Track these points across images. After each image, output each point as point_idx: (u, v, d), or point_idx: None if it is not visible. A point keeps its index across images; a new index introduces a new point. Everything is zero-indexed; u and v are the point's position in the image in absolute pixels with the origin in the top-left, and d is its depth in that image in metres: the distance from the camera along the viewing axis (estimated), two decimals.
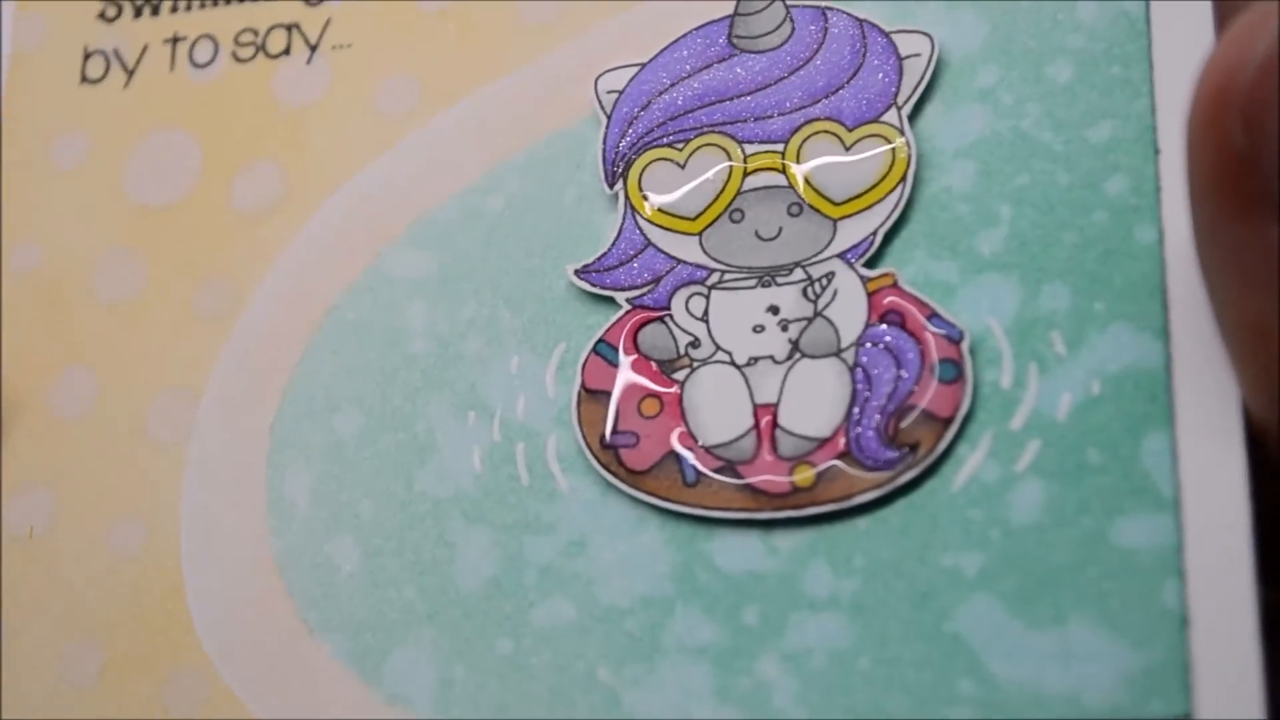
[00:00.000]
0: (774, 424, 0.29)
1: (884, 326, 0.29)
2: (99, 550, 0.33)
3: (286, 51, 0.35)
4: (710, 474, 0.29)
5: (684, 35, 0.32)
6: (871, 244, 0.30)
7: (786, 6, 0.32)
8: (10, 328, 0.35)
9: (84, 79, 0.36)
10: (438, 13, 0.34)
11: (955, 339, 0.29)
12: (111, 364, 0.34)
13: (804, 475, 0.29)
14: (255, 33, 0.35)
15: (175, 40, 0.36)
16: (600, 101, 0.32)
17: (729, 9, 0.32)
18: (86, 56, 0.36)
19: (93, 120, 0.36)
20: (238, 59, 0.35)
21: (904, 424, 0.29)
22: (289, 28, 0.35)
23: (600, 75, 0.32)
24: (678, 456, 0.30)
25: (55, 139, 0.36)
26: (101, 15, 0.37)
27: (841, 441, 0.29)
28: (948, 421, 0.29)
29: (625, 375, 0.30)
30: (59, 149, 0.36)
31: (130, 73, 0.36)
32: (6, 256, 0.36)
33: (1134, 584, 0.27)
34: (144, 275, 0.34)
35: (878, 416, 0.29)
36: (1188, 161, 0.26)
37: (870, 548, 0.29)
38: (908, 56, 0.31)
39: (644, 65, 0.32)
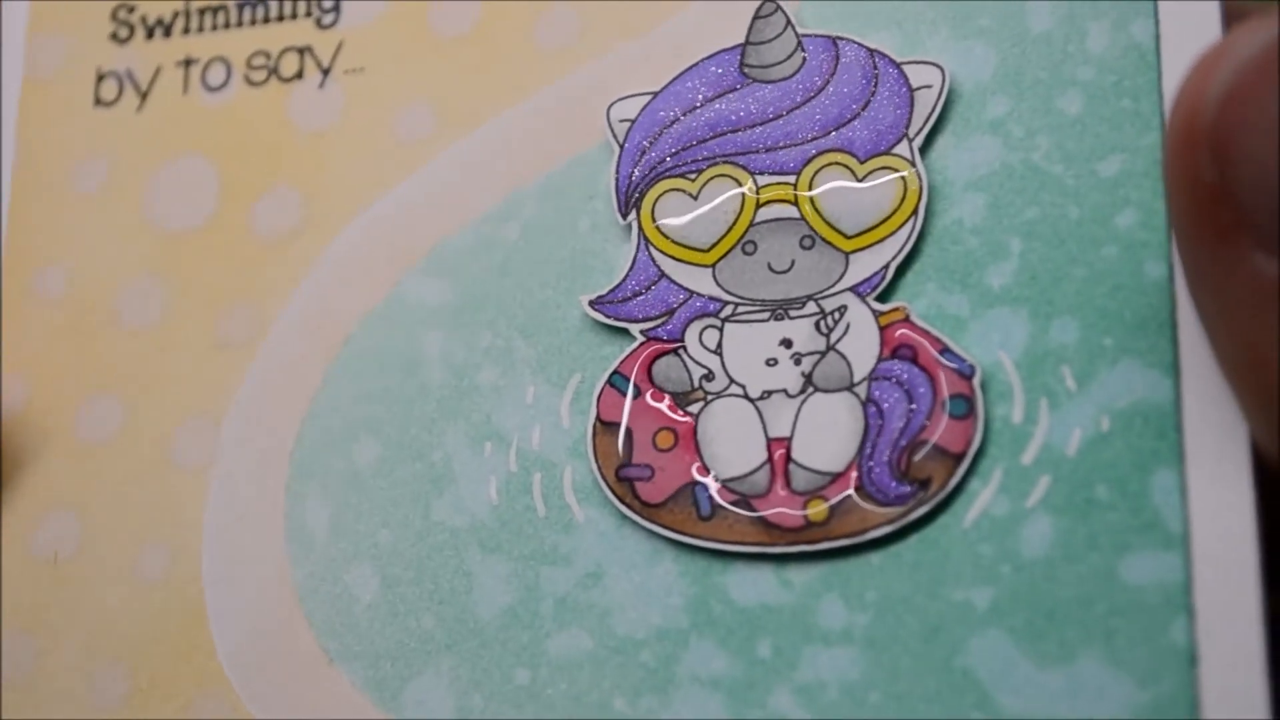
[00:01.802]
0: (787, 458, 0.30)
1: (896, 361, 0.30)
2: (125, 575, 0.33)
3: (299, 75, 0.35)
4: (726, 507, 0.30)
5: (696, 64, 0.32)
6: (884, 277, 0.30)
7: (798, 36, 0.32)
8: (38, 353, 0.35)
9: (98, 101, 0.36)
10: (451, 38, 0.34)
11: (967, 374, 0.29)
12: (136, 390, 0.34)
13: (817, 510, 0.29)
14: (268, 55, 0.35)
15: (188, 63, 0.36)
16: (612, 130, 0.32)
17: (741, 38, 0.32)
18: (100, 79, 0.36)
19: (110, 144, 0.36)
20: (250, 82, 0.35)
21: (916, 459, 0.29)
22: (301, 51, 0.35)
23: (612, 104, 0.32)
24: (693, 490, 0.30)
25: (74, 163, 0.36)
26: (114, 36, 0.37)
27: (854, 476, 0.29)
28: (959, 457, 0.29)
29: (640, 408, 0.31)
30: (78, 173, 0.36)
31: (144, 95, 0.36)
32: (32, 281, 0.36)
33: (1142, 621, 0.28)
34: (167, 302, 0.35)
35: (890, 451, 0.29)
36: (1167, 196, 0.27)
37: (882, 582, 0.29)
38: (919, 88, 0.31)
39: (656, 94, 0.32)
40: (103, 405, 0.34)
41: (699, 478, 0.30)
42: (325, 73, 0.35)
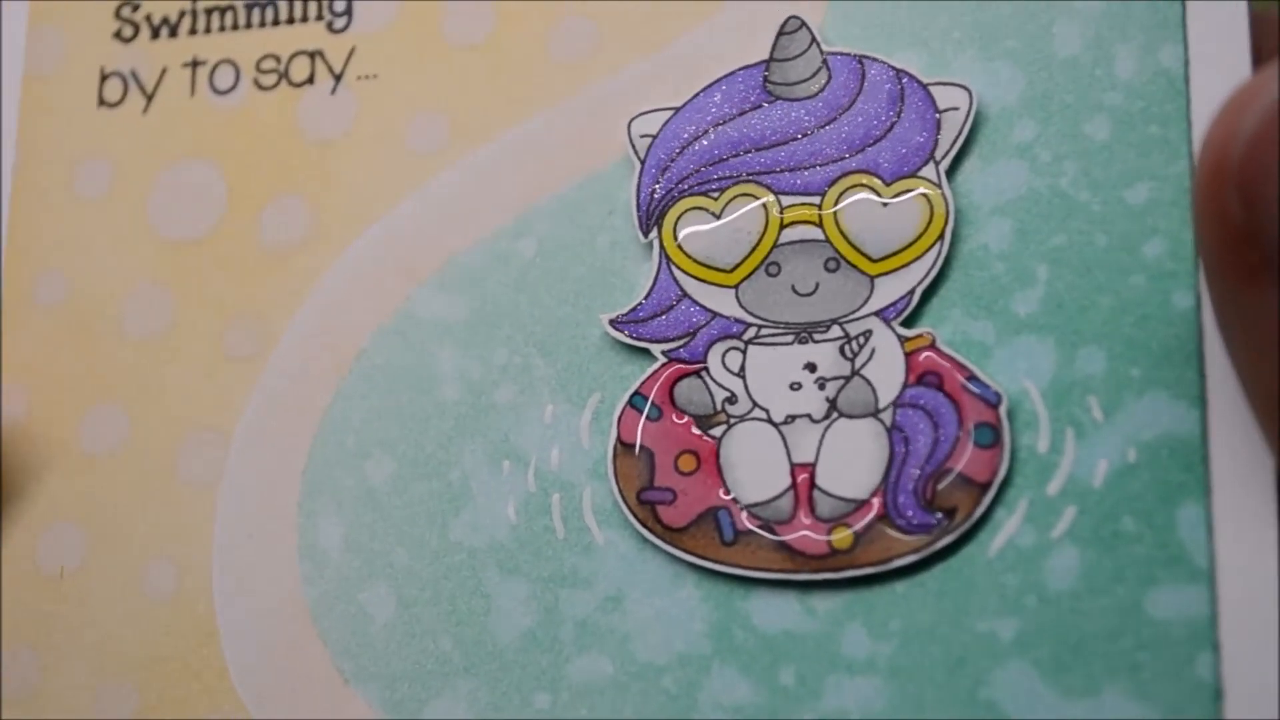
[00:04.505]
0: (811, 484, 0.30)
1: (922, 388, 0.30)
2: (131, 591, 0.33)
3: (310, 80, 0.34)
4: (751, 530, 0.30)
5: (719, 80, 0.32)
6: (909, 302, 0.30)
7: (823, 53, 0.31)
8: (39, 361, 0.35)
9: (102, 102, 0.36)
10: (465, 47, 0.34)
11: (993, 402, 0.29)
12: (141, 403, 0.34)
13: (842, 537, 0.29)
14: (278, 59, 0.35)
15: (195, 64, 0.35)
16: (634, 146, 0.32)
17: (756, 56, 0.32)
18: (104, 78, 0.36)
19: (114, 146, 0.35)
20: (260, 86, 0.35)
21: (941, 487, 0.29)
22: (312, 55, 0.34)
23: (634, 119, 0.32)
24: (716, 514, 0.30)
25: (76, 165, 0.35)
26: (118, 35, 0.36)
27: (879, 504, 0.29)
28: (985, 486, 0.29)
29: (661, 430, 0.31)
30: (81, 176, 0.35)
31: (149, 97, 0.35)
32: (33, 287, 0.35)
33: (1167, 655, 0.28)
34: (173, 312, 0.34)
35: (915, 480, 0.29)
36: (1196, 234, 0.27)
37: (907, 611, 0.29)
38: (946, 110, 0.31)
39: (678, 109, 0.32)
40: (106, 416, 0.34)
41: (722, 501, 0.30)
42: (337, 78, 0.34)
